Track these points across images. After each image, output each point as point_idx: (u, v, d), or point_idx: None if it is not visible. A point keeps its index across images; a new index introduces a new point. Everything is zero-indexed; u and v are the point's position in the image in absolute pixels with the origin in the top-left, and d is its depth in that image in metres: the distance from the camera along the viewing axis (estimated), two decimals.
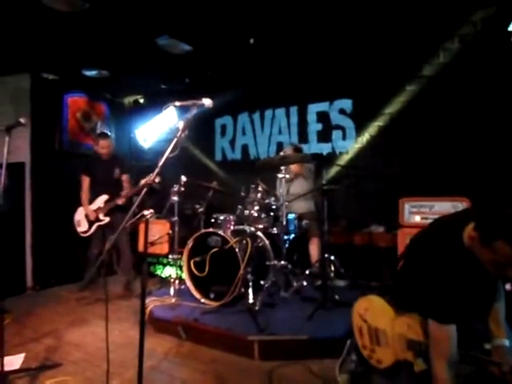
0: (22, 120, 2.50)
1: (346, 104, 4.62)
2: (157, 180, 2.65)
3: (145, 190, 1.59)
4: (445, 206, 3.40)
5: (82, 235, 4.32)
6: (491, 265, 1.62)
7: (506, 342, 1.74)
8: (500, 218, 1.56)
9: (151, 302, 3.57)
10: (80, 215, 4.40)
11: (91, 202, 4.37)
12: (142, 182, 3.33)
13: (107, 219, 4.25)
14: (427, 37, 3.96)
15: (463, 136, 3.77)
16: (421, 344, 1.78)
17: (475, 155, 3.68)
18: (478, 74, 3.69)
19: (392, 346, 1.93)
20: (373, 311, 2.06)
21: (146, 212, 1.61)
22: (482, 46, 3.66)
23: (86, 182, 4.43)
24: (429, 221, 3.45)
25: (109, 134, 4.66)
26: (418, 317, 1.84)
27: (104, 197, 4.32)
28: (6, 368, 2.39)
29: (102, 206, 4.29)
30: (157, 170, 1.67)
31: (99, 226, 4.27)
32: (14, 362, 2.67)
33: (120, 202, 4.21)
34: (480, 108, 3.69)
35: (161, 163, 1.69)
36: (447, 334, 1.67)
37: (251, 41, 4.30)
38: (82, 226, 4.36)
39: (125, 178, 4.42)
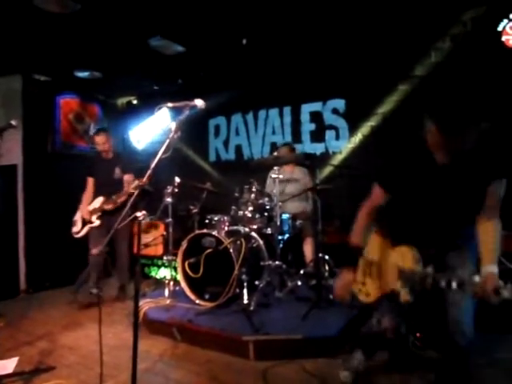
0: (13, 122, 2.48)
1: (339, 104, 4.64)
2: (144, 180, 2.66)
3: (137, 191, 1.59)
4: None
5: (74, 235, 4.19)
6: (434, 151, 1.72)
7: (491, 268, 1.59)
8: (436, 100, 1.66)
9: (146, 304, 3.56)
10: (78, 215, 4.29)
11: (91, 203, 4.23)
12: (132, 186, 3.32)
13: (98, 222, 4.08)
14: (419, 37, 3.98)
15: None
16: (412, 273, 1.77)
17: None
18: (469, 74, 3.72)
19: (383, 278, 1.93)
20: (371, 245, 2.05)
21: (138, 214, 1.60)
22: (473, 45, 3.69)
23: (89, 182, 4.31)
24: None
25: (105, 129, 4.46)
26: (412, 248, 1.83)
27: (100, 199, 4.15)
28: (0, 372, 2.37)
29: (96, 207, 4.14)
30: (149, 172, 1.66)
31: (90, 229, 4.12)
32: (7, 365, 2.64)
33: (107, 206, 4.02)
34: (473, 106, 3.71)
35: (153, 165, 1.69)
36: (374, 191, 1.99)
37: (244, 41, 4.31)
38: (76, 227, 4.23)
39: (127, 177, 4.15)
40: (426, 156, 1.80)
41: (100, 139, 4.17)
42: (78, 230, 4.17)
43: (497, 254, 1.64)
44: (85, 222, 4.15)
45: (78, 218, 4.26)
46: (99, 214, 4.08)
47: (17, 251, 4.80)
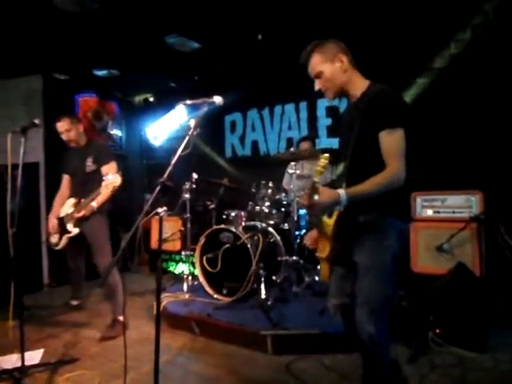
0: (36, 121, 2.54)
1: None
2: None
3: (158, 187, 1.61)
4: (457, 199, 3.37)
5: (54, 248, 3.43)
6: None
7: (340, 190, 1.62)
8: None
9: (165, 298, 3.61)
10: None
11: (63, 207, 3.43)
12: (106, 183, 2.74)
13: (76, 230, 3.23)
14: (438, 28, 3.90)
15: (475, 128, 3.72)
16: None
17: (488, 147, 3.63)
18: (490, 65, 3.64)
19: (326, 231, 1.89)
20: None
21: (159, 209, 1.63)
22: (495, 36, 3.60)
23: (62, 181, 3.58)
24: (441, 215, 3.43)
25: (69, 114, 3.65)
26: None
27: (71, 201, 3.36)
28: (27, 363, 2.45)
29: (69, 212, 3.28)
30: (169, 169, 1.69)
31: (69, 240, 3.31)
32: (33, 357, 2.74)
33: (77, 214, 3.15)
34: (492, 100, 3.63)
35: (173, 161, 1.71)
36: None
37: (259, 37, 4.31)
38: (53, 237, 3.43)
39: (106, 170, 3.17)
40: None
41: (61, 126, 3.35)
42: (56, 241, 3.38)
43: (358, 191, 1.62)
44: (61, 232, 3.35)
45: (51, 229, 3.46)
46: (75, 220, 3.23)
47: (40, 246, 4.94)
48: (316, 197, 1.60)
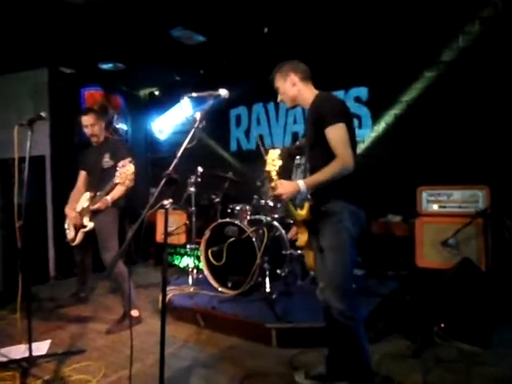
0: (42, 114, 2.56)
1: (362, 92, 4.56)
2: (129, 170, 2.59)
3: (164, 180, 1.62)
4: (463, 194, 3.35)
5: (70, 244, 3.48)
6: None
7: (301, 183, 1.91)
8: None
9: (170, 291, 3.64)
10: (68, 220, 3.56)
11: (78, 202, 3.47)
12: (118, 174, 2.73)
13: (91, 225, 3.27)
14: (446, 20, 3.85)
15: (483, 123, 3.68)
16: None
17: (495, 142, 3.60)
18: (499, 58, 3.59)
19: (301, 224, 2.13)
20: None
21: (165, 202, 1.63)
22: (504, 28, 3.55)
23: (79, 177, 3.64)
24: (447, 209, 3.41)
25: (93, 108, 3.77)
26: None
27: (86, 195, 3.40)
28: (34, 353, 2.49)
29: (85, 207, 3.34)
30: (175, 161, 1.69)
31: (84, 234, 3.35)
32: (40, 347, 2.78)
33: (93, 206, 3.20)
34: (500, 94, 3.59)
35: (179, 154, 1.71)
36: None
37: (265, 30, 4.28)
38: (69, 233, 3.49)
39: (122, 164, 2.94)
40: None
41: (87, 120, 3.38)
42: (72, 237, 3.44)
43: (315, 179, 1.93)
44: (77, 227, 3.40)
45: (69, 223, 3.53)
46: (90, 214, 3.29)
47: (46, 239, 4.99)
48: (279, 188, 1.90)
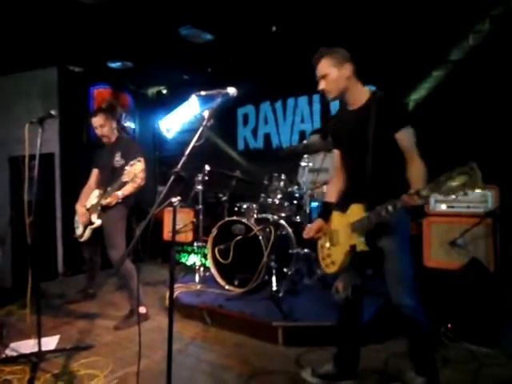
0: (52, 112, 2.59)
1: None
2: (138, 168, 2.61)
3: (172, 177, 1.63)
4: (473, 194, 3.32)
5: (79, 240, 3.56)
6: None
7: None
8: None
9: (177, 289, 3.65)
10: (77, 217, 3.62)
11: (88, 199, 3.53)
12: (127, 172, 2.80)
13: (99, 222, 3.33)
14: (455, 19, 3.81)
15: (492, 122, 3.64)
16: (361, 220, 1.92)
17: (504, 142, 3.56)
18: (510, 57, 3.55)
19: (342, 240, 2.06)
20: (332, 219, 2.18)
21: (173, 199, 1.64)
22: None
23: (91, 175, 3.70)
24: (455, 209, 3.38)
25: (104, 108, 3.82)
26: (358, 204, 1.98)
27: (95, 193, 3.46)
28: (43, 348, 2.52)
29: (94, 204, 3.40)
30: (183, 159, 1.70)
31: (92, 231, 3.41)
32: (49, 343, 2.81)
33: (104, 201, 3.24)
34: (510, 93, 3.55)
35: (187, 152, 1.72)
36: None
37: (273, 28, 4.27)
38: (78, 229, 3.57)
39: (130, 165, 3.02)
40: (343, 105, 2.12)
41: (97, 121, 3.44)
42: (80, 233, 3.51)
43: (421, 184, 1.74)
44: (85, 224, 3.46)
45: (78, 219, 3.60)
46: (99, 211, 3.34)
47: (55, 236, 5.04)
48: (425, 192, 1.67)
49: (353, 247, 1.98)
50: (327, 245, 2.18)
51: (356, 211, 1.97)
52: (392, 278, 1.97)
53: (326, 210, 2.22)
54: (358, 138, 1.97)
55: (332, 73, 1.98)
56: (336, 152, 2.26)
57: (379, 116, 1.90)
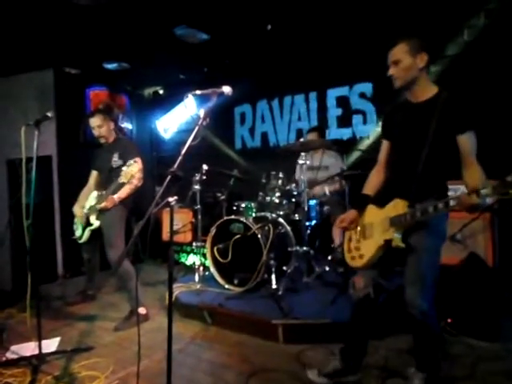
0: (49, 114, 2.58)
1: (367, 88, 4.54)
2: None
3: (169, 177, 1.63)
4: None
5: (78, 241, 3.59)
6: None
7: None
8: None
9: (177, 289, 3.66)
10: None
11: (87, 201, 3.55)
12: (124, 174, 2.89)
13: (97, 223, 3.35)
14: (450, 13, 3.81)
15: (488, 117, 3.64)
16: (402, 216, 1.87)
17: (501, 136, 3.56)
18: (506, 52, 3.55)
19: (376, 234, 2.02)
20: (367, 212, 2.14)
21: (170, 199, 1.64)
22: (510, 20, 3.50)
23: (90, 176, 3.72)
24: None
25: (101, 109, 3.88)
26: (402, 199, 1.93)
27: (94, 194, 3.48)
28: (44, 350, 2.52)
29: (92, 205, 3.41)
30: (180, 159, 1.70)
31: (91, 233, 3.44)
32: (50, 345, 2.82)
33: (99, 206, 3.27)
34: (507, 87, 3.55)
35: (183, 152, 1.72)
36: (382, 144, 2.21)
37: (268, 27, 4.27)
38: (77, 231, 3.59)
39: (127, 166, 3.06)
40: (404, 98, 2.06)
41: (94, 121, 3.44)
42: (79, 234, 3.54)
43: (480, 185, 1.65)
44: (84, 225, 3.50)
45: (76, 220, 3.64)
46: (97, 212, 3.35)
47: (54, 238, 5.03)
48: (485, 191, 1.60)
49: (387, 242, 1.93)
50: (356, 237, 2.14)
51: (398, 206, 1.92)
52: (411, 275, 1.94)
53: (362, 202, 2.16)
54: (416, 133, 1.91)
55: (405, 60, 1.91)
56: (385, 144, 2.18)
57: (445, 114, 1.84)
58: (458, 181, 3.37)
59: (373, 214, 2.09)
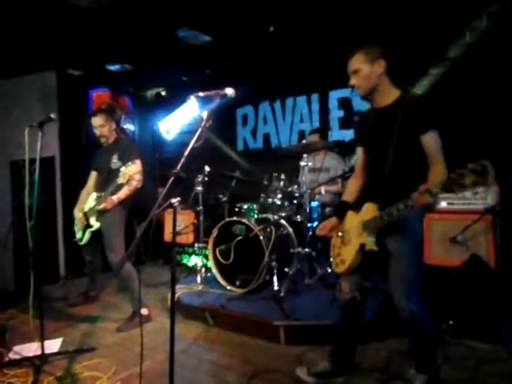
0: (52, 115, 2.60)
1: None
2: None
3: (172, 179, 1.64)
4: (472, 191, 3.32)
5: (79, 243, 3.61)
6: None
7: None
8: None
9: (179, 290, 3.67)
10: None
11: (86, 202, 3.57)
12: (122, 174, 2.93)
13: (97, 225, 3.36)
14: (452, 15, 3.81)
15: (491, 119, 3.65)
16: (373, 219, 1.91)
17: (504, 139, 3.56)
18: (508, 55, 3.55)
19: (353, 239, 2.05)
20: (346, 219, 2.17)
21: (173, 200, 1.65)
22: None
23: (89, 177, 3.72)
24: (455, 206, 3.38)
25: (104, 109, 3.91)
26: (372, 203, 1.97)
27: (93, 196, 3.49)
28: (47, 351, 2.54)
29: (91, 206, 3.43)
30: (182, 160, 1.71)
31: (92, 234, 3.46)
32: (52, 345, 2.82)
33: (98, 207, 3.28)
34: (509, 89, 3.55)
35: (186, 153, 1.73)
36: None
37: (271, 29, 4.28)
38: (78, 233, 3.61)
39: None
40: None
41: (96, 121, 3.45)
42: (80, 236, 3.56)
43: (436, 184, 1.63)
44: (84, 227, 3.51)
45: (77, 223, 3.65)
46: (97, 214, 3.37)
47: (56, 239, 5.05)
48: (435, 189, 1.59)
49: (362, 246, 1.97)
50: (338, 244, 2.19)
51: (370, 210, 1.96)
52: (395, 279, 1.96)
53: (341, 209, 2.21)
54: (382, 137, 1.95)
55: (364, 69, 1.95)
56: (359, 150, 2.24)
57: (406, 116, 1.87)
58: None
59: (351, 219, 2.12)
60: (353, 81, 2.00)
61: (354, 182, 2.25)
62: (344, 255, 2.12)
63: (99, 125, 3.45)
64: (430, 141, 1.86)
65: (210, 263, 3.78)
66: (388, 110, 1.96)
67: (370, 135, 2.10)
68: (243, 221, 3.60)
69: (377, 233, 1.92)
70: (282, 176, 3.87)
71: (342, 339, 2.27)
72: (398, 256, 1.94)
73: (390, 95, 1.98)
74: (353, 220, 2.09)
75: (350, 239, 2.08)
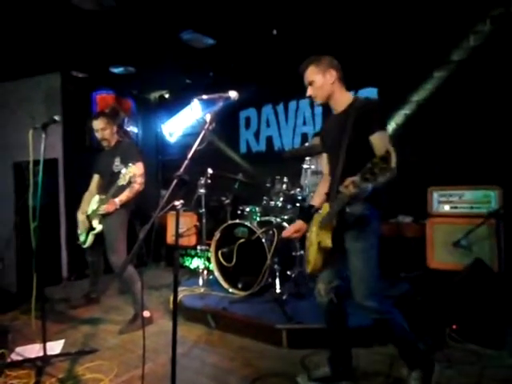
0: (56, 117, 2.61)
1: (372, 93, 4.54)
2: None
3: (175, 181, 1.64)
4: (475, 195, 3.32)
5: (82, 246, 3.62)
6: None
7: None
8: None
9: (181, 292, 3.66)
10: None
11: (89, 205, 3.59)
12: (124, 176, 2.97)
13: (100, 227, 3.38)
14: (456, 19, 3.81)
15: (494, 122, 3.64)
16: (325, 217, 2.00)
17: (507, 142, 3.55)
18: (511, 58, 3.55)
19: (313, 239, 2.12)
20: (312, 223, 2.22)
21: (176, 202, 1.65)
22: None
23: (92, 180, 3.73)
24: (458, 210, 3.38)
25: (105, 112, 3.89)
26: (327, 203, 2.07)
27: (96, 198, 3.51)
28: (49, 352, 2.53)
29: (94, 209, 3.45)
30: (186, 162, 1.71)
31: (95, 237, 3.48)
32: (54, 347, 2.82)
33: (101, 209, 3.28)
34: None
35: (189, 156, 1.73)
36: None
37: (274, 32, 4.29)
38: (81, 236, 3.62)
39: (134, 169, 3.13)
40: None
41: (97, 124, 3.45)
42: (83, 239, 3.57)
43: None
44: (87, 229, 3.54)
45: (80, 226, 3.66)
46: (100, 216, 3.38)
47: (59, 241, 5.06)
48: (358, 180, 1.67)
49: (319, 244, 2.03)
50: (307, 246, 2.25)
51: (324, 209, 2.06)
52: (355, 277, 2.00)
53: (306, 212, 2.30)
54: (336, 141, 2.04)
55: (317, 80, 2.08)
56: (323, 155, 2.33)
57: (356, 121, 1.96)
58: (464, 186, 3.40)
59: (314, 221, 2.18)
60: (309, 92, 2.14)
61: (322, 185, 2.33)
62: (309, 256, 2.18)
63: (100, 128, 3.45)
64: (377, 140, 1.92)
65: (213, 266, 3.78)
66: (342, 115, 2.08)
67: (327, 139, 2.23)
68: (246, 223, 3.60)
69: (332, 230, 1.97)
70: (285, 179, 3.87)
71: (334, 343, 2.28)
72: (354, 255, 2.00)
73: (343, 101, 2.09)
74: (315, 222, 2.16)
75: (312, 240, 2.15)
